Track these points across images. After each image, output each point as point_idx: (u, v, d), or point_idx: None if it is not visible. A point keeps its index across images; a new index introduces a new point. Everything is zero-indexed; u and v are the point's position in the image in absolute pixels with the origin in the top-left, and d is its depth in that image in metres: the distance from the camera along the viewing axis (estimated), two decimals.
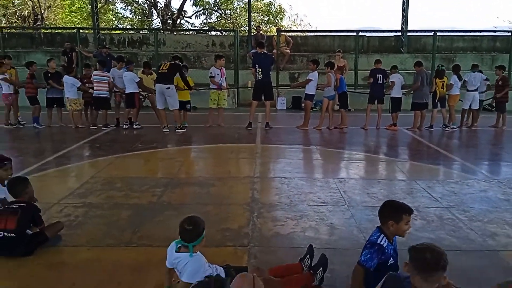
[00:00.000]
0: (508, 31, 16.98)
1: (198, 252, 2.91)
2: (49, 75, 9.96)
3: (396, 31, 17.55)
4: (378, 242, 2.89)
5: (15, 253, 3.62)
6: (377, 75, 9.98)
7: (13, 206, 3.80)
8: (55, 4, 27.74)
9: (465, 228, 4.33)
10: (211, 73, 10.09)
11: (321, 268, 3.25)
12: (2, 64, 9.78)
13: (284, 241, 4.03)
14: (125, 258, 3.62)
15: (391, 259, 2.87)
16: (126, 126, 9.87)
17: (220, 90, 10.06)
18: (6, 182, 4.14)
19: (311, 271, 3.26)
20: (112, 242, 3.94)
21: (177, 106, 9.50)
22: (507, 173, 6.64)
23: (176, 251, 2.94)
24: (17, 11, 26.01)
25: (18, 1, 25.80)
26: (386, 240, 2.90)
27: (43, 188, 5.35)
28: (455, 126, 10.08)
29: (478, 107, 10.45)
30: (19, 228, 3.68)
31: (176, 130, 9.43)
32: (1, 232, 3.66)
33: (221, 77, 10.02)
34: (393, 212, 2.88)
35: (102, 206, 4.87)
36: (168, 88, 9.24)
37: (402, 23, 16.73)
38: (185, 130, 9.56)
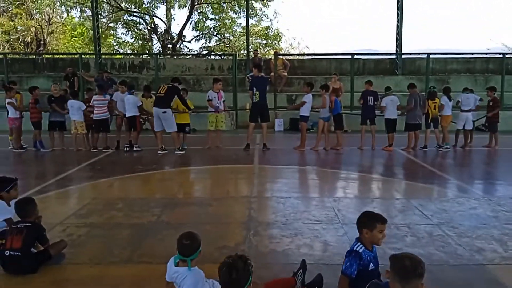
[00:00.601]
0: (500, 53, 17.39)
1: (196, 266, 3.08)
2: (53, 98, 10.23)
3: (390, 53, 17.97)
4: (354, 249, 3.14)
5: (21, 270, 3.78)
6: (368, 97, 10.28)
7: (19, 226, 3.96)
8: (58, 30, 28.35)
9: (454, 244, 4.49)
10: (208, 96, 10.36)
11: (316, 287, 3.41)
12: (10, 89, 10.08)
13: (279, 258, 4.19)
14: (126, 275, 3.78)
15: (371, 264, 3.09)
16: (127, 149, 10.07)
17: (218, 113, 10.30)
18: (13, 202, 4.34)
19: (305, 287, 3.42)
20: (113, 259, 4.10)
21: (175, 128, 9.74)
22: (497, 191, 6.84)
23: (175, 266, 3.10)
24: (20, 37, 26.57)
25: (21, 27, 26.37)
26: (363, 247, 3.13)
27: (46, 209, 5.50)
28: (448, 146, 10.29)
29: (471, 128, 10.69)
30: (24, 247, 3.82)
31: (175, 152, 9.63)
32: (8, 251, 3.81)
33: (218, 100, 10.28)
34: (368, 221, 3.15)
35: (103, 226, 5.04)
36: (165, 112, 9.49)
37: (397, 46, 17.14)
38: (184, 152, 9.76)
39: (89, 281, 3.66)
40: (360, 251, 3.11)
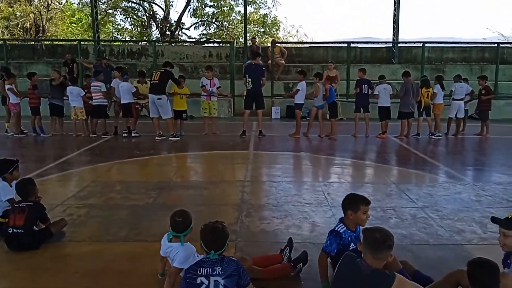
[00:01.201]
0: (495, 42, 17.48)
1: (188, 242, 3.30)
2: (53, 83, 10.39)
3: (387, 42, 18.06)
4: (336, 229, 3.35)
5: (23, 247, 3.99)
6: (363, 85, 10.45)
7: (21, 205, 4.17)
8: (56, 16, 28.32)
9: (435, 225, 4.72)
10: (201, 82, 10.58)
11: (301, 264, 3.63)
12: (11, 75, 10.30)
13: (269, 237, 4.42)
14: (123, 251, 4.00)
15: (352, 244, 3.28)
16: (125, 135, 10.26)
17: (210, 99, 10.46)
18: (14, 182, 4.56)
19: (291, 263, 3.65)
20: (111, 238, 4.33)
21: (170, 114, 9.92)
22: (483, 177, 7.08)
23: (168, 242, 3.33)
24: (19, 23, 26.54)
25: (20, 13, 26.34)
26: (344, 228, 3.34)
27: (47, 191, 5.73)
28: (440, 134, 10.50)
29: (463, 116, 10.89)
30: (26, 225, 4.03)
31: (169, 138, 9.81)
32: (11, 228, 4.03)
33: (210, 86, 10.46)
34: (352, 203, 3.33)
35: (102, 207, 5.27)
36: (160, 98, 9.67)
37: (393, 35, 17.23)
38: (179, 138, 9.94)
39: (88, 257, 3.89)
40: (341, 231, 3.32)
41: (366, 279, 2.59)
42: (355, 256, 2.74)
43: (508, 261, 2.86)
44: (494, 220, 3.06)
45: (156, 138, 9.83)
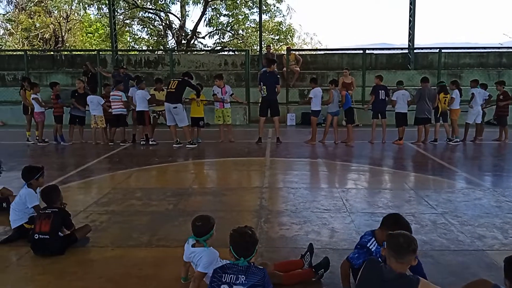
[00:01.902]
0: None
1: (211, 247, 3.36)
2: (77, 94, 10.65)
3: (402, 48, 17.99)
4: (368, 246, 3.28)
5: (49, 252, 4.09)
6: (379, 91, 10.42)
7: (47, 211, 4.28)
8: (75, 27, 28.94)
9: (456, 231, 4.70)
10: (213, 91, 10.74)
11: (322, 270, 3.65)
12: (35, 85, 10.64)
13: (288, 242, 4.45)
14: (145, 256, 4.08)
15: (379, 260, 3.25)
16: (143, 142, 10.41)
17: (223, 107, 10.57)
18: (39, 189, 4.69)
19: (312, 268, 3.67)
20: (133, 243, 4.41)
21: (186, 122, 10.02)
22: (503, 183, 6.99)
23: (192, 247, 3.39)
24: (39, 34, 27.19)
25: (40, 25, 26.98)
26: (376, 244, 3.25)
27: (69, 198, 5.83)
28: (458, 140, 10.40)
29: (481, 121, 10.79)
30: (52, 231, 4.14)
31: (187, 146, 9.91)
32: (37, 234, 4.14)
33: (222, 95, 10.57)
34: (393, 225, 3.09)
35: (123, 213, 5.36)
36: (175, 107, 9.77)
37: (409, 41, 17.17)
38: (196, 146, 10.04)
39: (112, 262, 3.97)
40: (372, 249, 3.23)
41: (391, 283, 2.61)
42: (379, 261, 2.76)
43: None
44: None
45: (174, 145, 9.95)
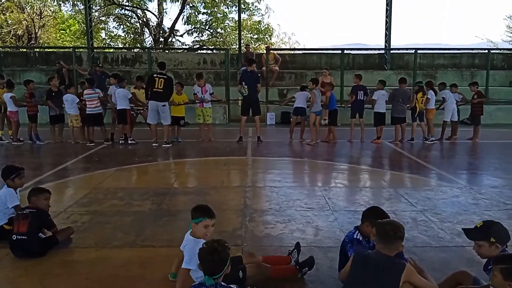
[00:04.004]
0: (485, 49, 17.81)
1: (194, 238, 3.25)
2: (53, 93, 10.40)
3: (379, 49, 18.29)
4: (355, 237, 3.39)
5: (29, 254, 4.00)
6: (358, 91, 10.58)
7: (25, 211, 4.18)
8: (49, 23, 28.24)
9: (436, 228, 4.83)
10: (194, 90, 10.73)
11: (306, 268, 3.70)
12: (13, 85, 10.46)
13: (274, 241, 4.48)
14: (131, 256, 4.04)
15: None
16: (122, 141, 10.26)
17: (203, 106, 10.55)
18: (19, 190, 4.59)
19: (297, 266, 3.71)
20: (118, 243, 4.36)
21: (169, 121, 10.00)
22: (479, 181, 7.21)
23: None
24: (12, 30, 26.42)
25: (12, 21, 26.22)
26: (361, 236, 3.38)
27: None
28: (433, 138, 10.66)
29: (457, 119, 11.10)
30: (29, 231, 4.04)
31: (163, 145, 9.82)
32: (14, 235, 4.05)
33: (202, 94, 10.55)
34: (374, 218, 3.20)
35: (106, 213, 5.29)
36: (164, 105, 9.76)
37: (385, 41, 17.47)
38: (171, 145, 9.93)
39: (97, 262, 3.92)
40: (360, 238, 3.37)
41: (379, 265, 2.78)
42: (364, 251, 2.89)
43: (489, 267, 2.90)
44: (464, 231, 3.12)
45: (153, 145, 9.85)
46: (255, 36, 27.04)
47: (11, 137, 10.37)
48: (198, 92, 10.60)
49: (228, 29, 27.04)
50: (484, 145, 10.62)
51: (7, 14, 26.33)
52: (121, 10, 26.75)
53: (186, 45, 27.81)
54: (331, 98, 10.51)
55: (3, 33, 26.49)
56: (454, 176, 7.36)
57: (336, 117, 10.74)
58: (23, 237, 4.03)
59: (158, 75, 9.78)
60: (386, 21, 17.34)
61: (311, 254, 3.88)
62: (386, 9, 17.22)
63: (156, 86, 9.68)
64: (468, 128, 11.59)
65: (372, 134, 10.59)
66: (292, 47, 29.10)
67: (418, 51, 16.17)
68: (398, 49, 18.80)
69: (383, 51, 17.77)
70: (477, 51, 18.91)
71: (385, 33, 17.39)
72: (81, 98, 10.52)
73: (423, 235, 4.61)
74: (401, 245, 2.86)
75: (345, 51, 16.58)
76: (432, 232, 4.71)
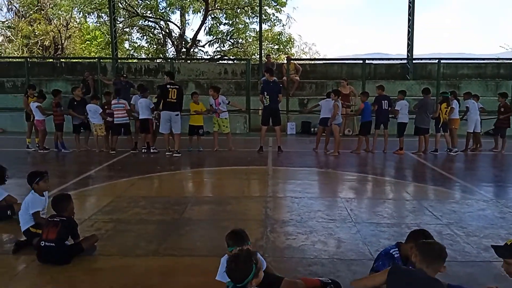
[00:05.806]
0: (511, 59, 17.44)
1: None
2: (75, 102, 10.65)
3: (401, 58, 18.13)
4: (391, 252, 3.37)
5: (55, 261, 4.07)
6: (382, 101, 10.47)
7: (55, 219, 4.26)
8: (75, 34, 28.99)
9: (462, 242, 4.72)
10: (209, 101, 10.91)
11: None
12: (44, 95, 10.82)
13: (296, 253, 4.45)
14: (154, 265, 4.07)
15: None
16: (145, 150, 10.40)
17: (219, 117, 10.67)
18: (47, 193, 4.72)
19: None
20: (141, 252, 4.40)
21: (180, 130, 10.16)
22: (505, 193, 7.04)
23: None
24: (39, 41, 27.22)
25: (40, 32, 27.02)
26: (399, 254, 3.34)
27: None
28: (457, 150, 10.46)
29: (480, 131, 10.89)
30: (58, 239, 4.11)
31: (174, 155, 9.91)
32: (43, 242, 4.13)
33: (216, 106, 10.65)
34: (421, 239, 3.11)
35: (129, 221, 5.35)
36: (177, 115, 9.97)
37: (408, 51, 17.32)
38: (180, 155, 9.97)
39: (120, 270, 3.96)
40: (395, 256, 3.32)
41: (424, 283, 2.72)
42: (402, 266, 2.87)
43: None
44: (494, 248, 3.04)
45: (166, 154, 9.98)
46: (276, 47, 27.15)
47: (37, 145, 10.64)
48: (212, 104, 10.76)
49: (249, 39, 27.23)
50: (509, 156, 10.37)
51: (35, 25, 27.17)
52: (144, 22, 27.25)
53: (207, 55, 28.14)
54: (366, 109, 10.43)
55: (30, 44, 27.31)
56: (480, 188, 7.20)
57: (370, 129, 10.57)
58: (51, 244, 4.10)
59: (171, 86, 9.95)
60: (408, 31, 17.20)
61: (334, 266, 3.84)
62: (409, 19, 17.10)
63: (170, 97, 9.86)
64: (490, 139, 11.34)
65: (393, 145, 10.43)
66: (312, 57, 29.07)
67: (442, 61, 15.94)
68: (421, 59, 18.58)
69: (405, 61, 17.60)
70: (502, 61, 18.53)
71: (408, 43, 17.25)
72: (105, 107, 10.74)
73: (449, 250, 4.43)
74: (443, 266, 2.83)
75: (367, 61, 16.49)
76: (458, 246, 4.61)
